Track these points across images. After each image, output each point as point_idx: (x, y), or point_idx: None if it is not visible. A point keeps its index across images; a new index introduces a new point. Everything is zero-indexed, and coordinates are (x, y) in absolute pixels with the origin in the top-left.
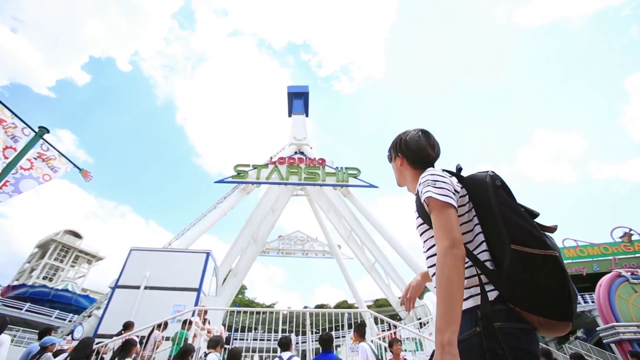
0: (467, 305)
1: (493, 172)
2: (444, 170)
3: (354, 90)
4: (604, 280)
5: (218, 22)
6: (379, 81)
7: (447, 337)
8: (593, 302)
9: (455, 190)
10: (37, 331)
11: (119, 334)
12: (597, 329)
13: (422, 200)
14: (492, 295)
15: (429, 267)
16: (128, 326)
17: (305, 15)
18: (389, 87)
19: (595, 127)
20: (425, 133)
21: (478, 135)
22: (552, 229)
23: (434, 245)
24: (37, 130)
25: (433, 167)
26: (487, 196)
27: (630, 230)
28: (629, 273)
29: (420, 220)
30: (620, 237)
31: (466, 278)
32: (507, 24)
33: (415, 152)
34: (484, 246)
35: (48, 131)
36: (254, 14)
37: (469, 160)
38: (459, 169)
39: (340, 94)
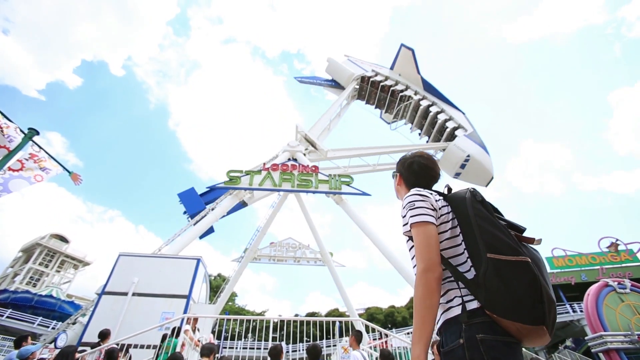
0: (451, 314)
1: (473, 189)
2: (429, 190)
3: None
4: (591, 289)
5: (213, 29)
6: None
7: (417, 352)
8: (582, 311)
9: (434, 208)
10: None
11: (98, 344)
12: (586, 338)
13: (405, 224)
14: (472, 305)
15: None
16: (105, 335)
17: (299, 25)
18: None
19: (580, 140)
20: (432, 162)
21: None
22: (533, 241)
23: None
24: (26, 132)
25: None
26: (466, 210)
27: (617, 240)
28: (616, 282)
29: (407, 238)
30: (607, 247)
31: (451, 289)
32: (496, 38)
33: (417, 177)
34: (466, 257)
35: (38, 133)
36: (249, 22)
37: None
38: (449, 190)
39: (330, 103)
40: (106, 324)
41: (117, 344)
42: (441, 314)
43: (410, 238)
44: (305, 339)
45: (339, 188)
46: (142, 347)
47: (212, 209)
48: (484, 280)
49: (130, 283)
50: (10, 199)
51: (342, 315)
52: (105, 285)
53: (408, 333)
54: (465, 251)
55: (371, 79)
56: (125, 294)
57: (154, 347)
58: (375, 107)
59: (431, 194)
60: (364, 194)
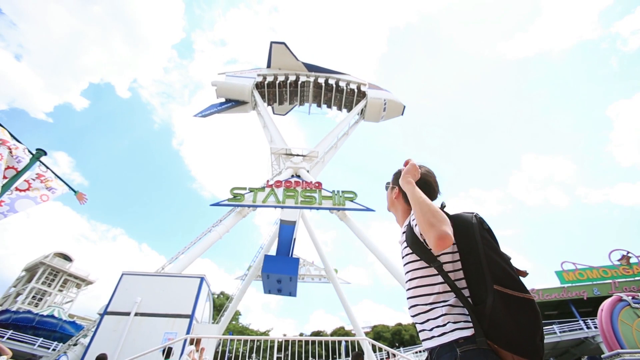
0: (446, 339)
1: (478, 214)
2: None
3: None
4: (605, 304)
5: (216, 51)
6: None
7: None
8: (596, 327)
9: None
10: None
11: None
12: (602, 356)
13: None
14: (466, 332)
15: (410, 307)
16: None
17: (298, 46)
18: None
19: (583, 153)
20: (433, 179)
21: (469, 161)
22: (524, 274)
23: (417, 278)
24: (34, 152)
25: None
26: (473, 236)
27: (628, 253)
28: (630, 297)
29: (408, 250)
30: (619, 260)
31: (445, 314)
32: (493, 55)
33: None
34: (464, 283)
35: (45, 153)
36: (250, 44)
37: (462, 185)
38: (443, 207)
39: (334, 122)
40: (108, 345)
41: None
42: (433, 337)
43: (411, 246)
44: (310, 359)
45: (343, 204)
46: None
47: (215, 226)
48: (491, 312)
49: (132, 303)
50: (16, 218)
51: (347, 334)
52: (107, 305)
53: (416, 352)
54: (463, 278)
55: (265, 82)
56: (128, 314)
57: None
58: (279, 105)
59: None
60: (368, 209)
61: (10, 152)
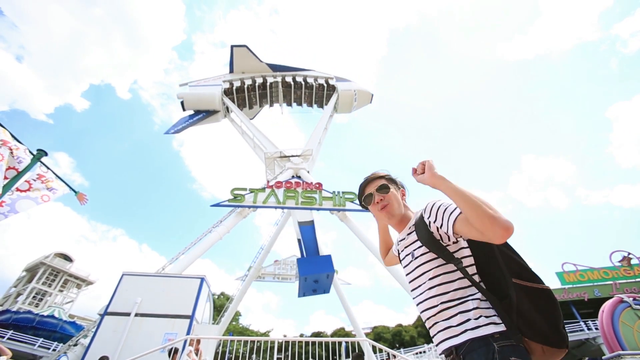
0: (479, 333)
1: None
2: None
3: (347, 120)
4: (606, 306)
5: (216, 52)
6: (372, 111)
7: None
8: (597, 328)
9: None
10: None
11: None
12: (603, 358)
13: (450, 219)
14: (499, 327)
15: (430, 308)
16: None
17: (299, 49)
18: (381, 116)
19: (583, 154)
20: None
21: (469, 162)
22: None
23: (439, 275)
24: (35, 153)
25: None
26: None
27: (629, 254)
28: (631, 298)
29: (424, 250)
30: (620, 261)
31: (477, 308)
32: (492, 57)
33: None
34: (478, 279)
35: (46, 154)
36: (251, 46)
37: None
38: None
39: (334, 123)
40: (108, 346)
41: None
42: (466, 330)
43: (427, 244)
44: None
45: (343, 205)
46: None
47: (215, 227)
48: (516, 304)
49: (133, 303)
50: (16, 219)
51: (348, 334)
52: (108, 306)
53: (417, 353)
54: (477, 274)
55: (233, 88)
56: (128, 314)
57: None
58: (249, 109)
59: None
60: (369, 210)
61: (12, 153)
